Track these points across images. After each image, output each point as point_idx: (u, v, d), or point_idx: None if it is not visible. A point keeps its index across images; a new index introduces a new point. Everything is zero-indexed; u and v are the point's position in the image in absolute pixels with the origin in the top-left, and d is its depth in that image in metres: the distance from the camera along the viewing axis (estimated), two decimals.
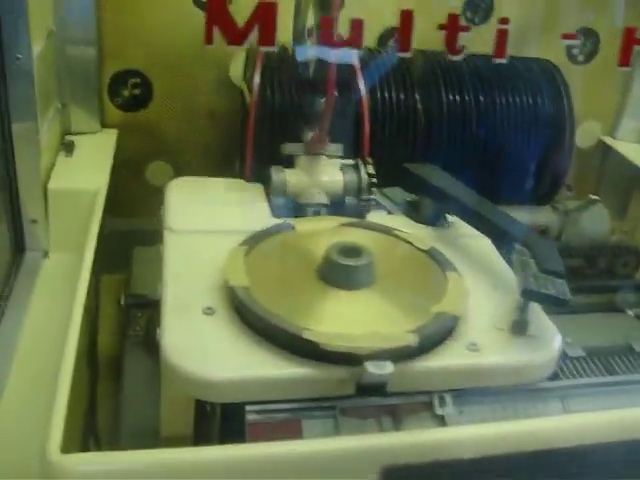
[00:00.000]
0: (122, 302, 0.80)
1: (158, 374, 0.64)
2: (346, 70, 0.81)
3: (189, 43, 0.95)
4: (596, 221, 0.98)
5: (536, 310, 0.61)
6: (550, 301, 0.56)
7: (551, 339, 0.58)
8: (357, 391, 0.52)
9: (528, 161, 0.91)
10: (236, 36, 0.61)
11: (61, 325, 0.60)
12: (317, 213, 0.71)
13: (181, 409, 0.55)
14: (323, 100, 0.70)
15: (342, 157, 0.76)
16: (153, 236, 1.00)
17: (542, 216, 0.96)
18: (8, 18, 0.71)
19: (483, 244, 0.71)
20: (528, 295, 0.56)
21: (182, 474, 0.46)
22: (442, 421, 0.54)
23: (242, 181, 0.79)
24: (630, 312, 0.99)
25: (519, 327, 0.58)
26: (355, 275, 0.58)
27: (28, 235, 0.82)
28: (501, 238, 0.67)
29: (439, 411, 0.54)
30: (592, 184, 1.17)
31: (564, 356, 0.74)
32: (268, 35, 0.61)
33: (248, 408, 0.52)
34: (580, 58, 1.10)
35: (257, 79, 0.79)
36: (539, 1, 1.03)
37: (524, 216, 0.94)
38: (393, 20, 0.97)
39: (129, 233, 1.02)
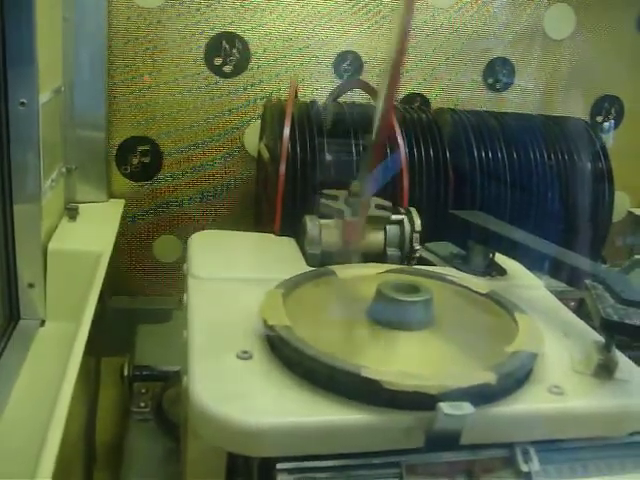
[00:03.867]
0: (125, 373, 0.71)
1: (166, 450, 0.54)
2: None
3: (202, 111, 0.92)
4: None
5: (622, 356, 0.52)
6: (634, 332, 0.48)
7: None
8: (426, 443, 0.43)
9: (564, 223, 0.85)
10: None
11: (52, 399, 0.51)
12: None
13: (210, 466, 0.45)
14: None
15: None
16: (158, 315, 0.92)
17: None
18: (16, 61, 0.67)
19: (543, 294, 0.63)
20: (609, 326, 0.48)
21: None
22: (528, 479, 0.44)
23: (272, 235, 0.71)
24: None
25: (605, 369, 0.49)
26: (413, 313, 0.50)
27: (24, 300, 0.73)
28: (567, 275, 0.59)
29: (524, 467, 0.44)
30: (624, 258, 1.10)
31: None
32: None
33: (279, 466, 0.42)
34: (605, 126, 1.07)
35: (286, 132, 0.73)
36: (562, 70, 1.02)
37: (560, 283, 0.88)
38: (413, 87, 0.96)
39: (132, 312, 0.94)
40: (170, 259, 0.95)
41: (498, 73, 0.99)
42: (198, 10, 0.88)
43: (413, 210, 0.68)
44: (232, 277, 0.59)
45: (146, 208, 0.94)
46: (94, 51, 0.84)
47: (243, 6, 0.89)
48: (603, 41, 1.01)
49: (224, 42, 0.90)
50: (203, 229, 0.95)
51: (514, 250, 0.63)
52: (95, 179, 0.90)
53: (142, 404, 0.72)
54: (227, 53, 0.90)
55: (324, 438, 0.42)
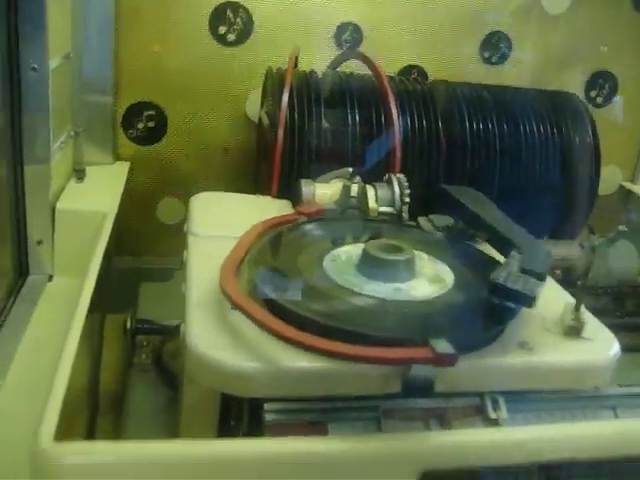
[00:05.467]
0: (128, 326, 0.75)
1: (166, 399, 0.58)
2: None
3: (206, 78, 0.95)
4: (624, 255, 0.94)
5: (591, 317, 0.56)
6: (516, 297, 0.49)
7: (608, 343, 0.53)
8: (402, 389, 0.47)
9: (551, 194, 0.88)
10: None
11: (59, 347, 0.55)
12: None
13: (204, 407, 0.49)
14: None
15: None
16: (160, 274, 0.96)
17: (567, 251, 0.92)
18: (27, 28, 0.70)
19: None
20: (495, 289, 0.49)
21: (175, 468, 0.40)
22: (496, 426, 0.48)
23: (269, 197, 0.75)
24: None
25: (573, 329, 0.53)
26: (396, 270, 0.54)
27: (32, 257, 0.77)
28: None
29: (492, 415, 0.49)
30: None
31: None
32: None
33: (267, 406, 0.46)
34: (599, 100, 1.09)
35: (285, 99, 0.76)
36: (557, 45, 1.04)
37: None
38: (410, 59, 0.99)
39: (136, 271, 0.98)
40: (173, 221, 0.99)
41: (495, 47, 1.02)
42: None
43: (401, 175, 0.71)
44: (229, 235, 0.62)
45: (151, 171, 0.97)
46: (102, 18, 0.87)
47: None
48: (599, 18, 1.03)
49: (228, 11, 0.92)
50: (205, 190, 1.00)
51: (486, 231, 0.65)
52: (102, 142, 0.94)
53: (143, 356, 0.77)
54: (231, 22, 0.92)
55: (308, 382, 0.46)
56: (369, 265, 0.54)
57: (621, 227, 0.89)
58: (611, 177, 1.14)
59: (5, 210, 0.74)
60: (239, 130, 0.96)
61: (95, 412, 0.75)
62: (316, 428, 0.47)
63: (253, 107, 0.95)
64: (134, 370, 0.76)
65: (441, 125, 0.83)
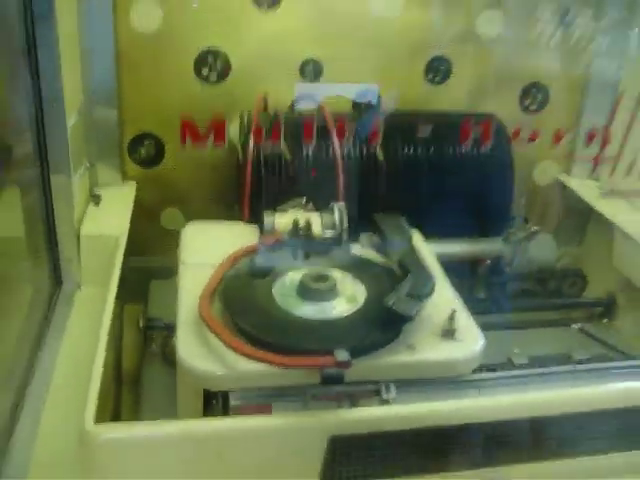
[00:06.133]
0: (141, 325, 0.98)
1: (173, 380, 0.81)
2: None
3: (194, 111, 1.15)
4: (542, 248, 1.15)
5: (467, 320, 0.78)
6: (398, 316, 0.71)
7: (474, 342, 0.75)
8: (321, 380, 0.69)
9: (475, 201, 1.09)
10: None
11: (92, 342, 0.78)
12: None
13: (192, 398, 0.72)
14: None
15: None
16: (166, 271, 1.19)
17: (495, 247, 1.13)
18: (49, 94, 0.90)
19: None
20: (386, 309, 0.71)
21: (187, 439, 0.64)
22: (387, 404, 0.71)
23: (242, 223, 0.96)
24: (575, 326, 1.16)
25: (448, 333, 0.75)
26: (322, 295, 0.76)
27: (64, 271, 1.00)
28: None
29: (385, 396, 0.71)
30: (553, 217, 1.33)
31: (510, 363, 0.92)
32: None
33: (231, 396, 0.69)
34: (532, 108, 1.28)
35: (251, 144, 0.98)
36: (492, 61, 1.22)
37: (480, 246, 1.13)
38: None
39: (146, 269, 1.21)
40: (173, 227, 1.21)
41: (437, 69, 1.21)
42: (187, 31, 1.10)
43: (342, 204, 0.92)
44: (213, 263, 0.84)
45: (153, 188, 1.19)
46: (106, 70, 1.07)
47: (224, 27, 1.11)
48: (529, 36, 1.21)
49: (209, 56, 1.12)
50: (199, 203, 1.21)
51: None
52: (112, 166, 1.15)
53: (154, 345, 1.00)
54: (212, 65, 1.13)
55: (257, 379, 0.69)
56: (303, 291, 0.77)
57: (534, 228, 1.09)
58: (548, 170, 1.34)
59: (43, 236, 0.96)
60: (223, 152, 1.17)
61: (120, 384, 0.99)
62: (264, 408, 0.70)
63: (233, 133, 1.15)
64: (147, 357, 0.99)
65: (379, 152, 1.04)
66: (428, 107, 1.20)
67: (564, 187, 1.33)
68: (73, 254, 0.99)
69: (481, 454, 0.74)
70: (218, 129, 1.15)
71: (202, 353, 0.70)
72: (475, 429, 0.71)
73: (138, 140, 1.16)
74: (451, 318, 0.75)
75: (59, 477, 0.66)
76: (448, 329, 0.75)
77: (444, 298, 0.82)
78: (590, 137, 1.29)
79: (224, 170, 1.18)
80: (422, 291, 0.74)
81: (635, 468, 0.78)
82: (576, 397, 0.75)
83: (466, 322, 0.78)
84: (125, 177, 1.18)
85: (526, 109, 1.28)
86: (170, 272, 1.17)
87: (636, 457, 0.78)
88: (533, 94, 1.27)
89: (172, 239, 1.14)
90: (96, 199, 1.09)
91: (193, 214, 1.15)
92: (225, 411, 0.70)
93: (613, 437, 0.78)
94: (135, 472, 0.63)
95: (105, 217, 1.06)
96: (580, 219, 1.33)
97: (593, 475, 0.76)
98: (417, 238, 0.94)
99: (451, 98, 1.22)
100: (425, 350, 0.73)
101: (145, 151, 1.17)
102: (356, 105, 1.12)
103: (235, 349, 0.68)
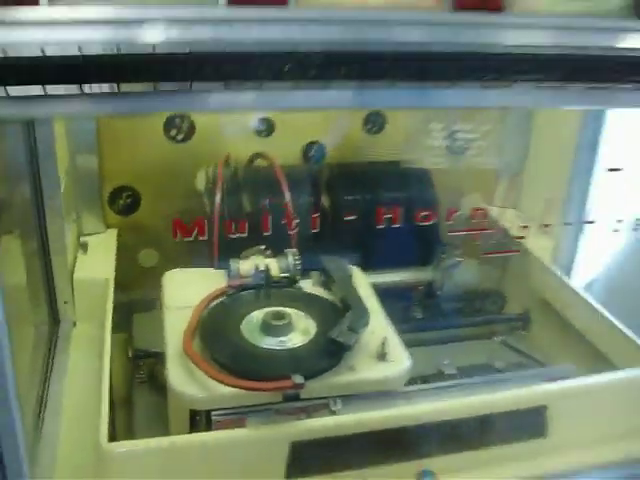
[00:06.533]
0: (130, 355, 1.16)
1: (160, 401, 0.99)
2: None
3: (165, 166, 1.33)
4: (467, 274, 1.36)
5: (397, 344, 0.98)
6: (340, 346, 0.92)
7: (403, 362, 0.96)
8: (283, 398, 0.89)
9: (408, 237, 1.29)
10: None
11: (93, 371, 0.96)
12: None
13: (181, 417, 0.91)
14: None
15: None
16: (146, 304, 1.36)
17: (427, 274, 1.34)
18: (45, 167, 1.07)
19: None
20: (332, 340, 0.92)
21: (186, 450, 0.83)
22: (334, 414, 0.91)
23: (212, 270, 1.15)
24: (496, 339, 1.37)
25: (381, 356, 0.95)
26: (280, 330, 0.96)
27: (62, 311, 1.17)
28: None
29: (333, 408, 0.91)
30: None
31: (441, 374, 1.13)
32: None
33: (213, 414, 0.88)
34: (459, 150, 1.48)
35: (218, 196, 1.16)
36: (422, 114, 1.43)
37: (414, 275, 1.33)
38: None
39: (128, 302, 1.38)
40: (150, 264, 1.39)
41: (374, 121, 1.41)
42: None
43: (294, 250, 1.11)
44: (191, 305, 1.02)
45: (132, 232, 1.37)
46: (88, 140, 1.26)
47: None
48: None
49: (177, 119, 1.31)
50: (172, 244, 1.39)
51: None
52: (95, 217, 1.33)
53: (142, 372, 1.18)
54: (179, 127, 1.31)
55: (233, 399, 0.88)
56: (265, 327, 0.96)
57: (458, 259, 1.30)
58: (474, 202, 1.55)
59: (42, 284, 1.14)
60: (192, 200, 1.35)
61: (113, 405, 1.17)
62: (240, 422, 0.89)
63: (200, 184, 1.34)
64: (135, 382, 1.17)
65: (325, 199, 1.24)
66: (366, 155, 1.41)
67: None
68: (68, 296, 1.17)
69: (412, 449, 0.93)
70: (186, 179, 1.34)
71: (188, 381, 0.89)
72: (405, 430, 0.91)
73: (117, 192, 1.34)
74: (383, 343, 0.95)
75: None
76: (381, 353, 0.95)
77: (378, 327, 1.01)
78: None
79: (194, 215, 1.36)
80: (359, 324, 0.94)
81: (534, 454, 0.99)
82: (484, 402, 0.95)
83: (396, 346, 0.98)
84: (108, 225, 1.36)
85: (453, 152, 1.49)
86: (149, 305, 1.36)
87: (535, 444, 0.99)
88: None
89: (150, 275, 1.32)
90: (84, 247, 1.26)
91: (167, 254, 1.33)
92: (208, 426, 0.89)
93: (518, 430, 0.99)
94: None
95: (93, 262, 1.23)
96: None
97: (499, 461, 0.96)
98: (357, 275, 1.14)
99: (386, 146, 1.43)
100: (363, 370, 0.93)
101: (123, 201, 1.35)
102: (306, 158, 1.32)
103: (213, 378, 0.87)
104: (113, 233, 1.34)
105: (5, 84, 0.56)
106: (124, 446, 0.82)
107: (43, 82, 0.57)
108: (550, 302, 1.33)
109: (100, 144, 1.29)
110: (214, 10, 0.61)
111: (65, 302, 1.17)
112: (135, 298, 1.38)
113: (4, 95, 0.57)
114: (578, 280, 1.35)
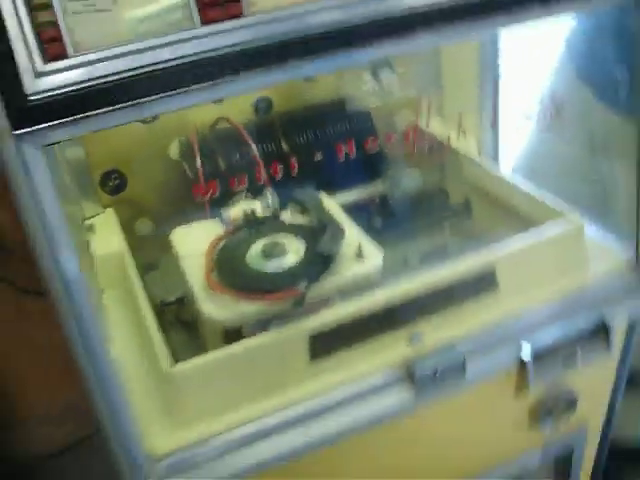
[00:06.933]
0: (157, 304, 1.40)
1: (191, 338, 1.24)
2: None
3: (141, 146, 1.54)
4: (411, 181, 1.62)
5: (368, 245, 1.24)
6: (328, 255, 1.19)
7: (377, 257, 1.22)
8: (293, 305, 1.14)
9: (358, 163, 1.53)
10: None
11: (130, 319, 1.21)
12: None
13: (217, 339, 1.16)
14: None
15: None
16: (151, 265, 1.59)
17: (379, 188, 1.61)
18: None
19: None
20: (319, 253, 1.18)
21: (237, 356, 1.08)
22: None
23: (208, 221, 1.37)
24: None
25: (359, 256, 1.22)
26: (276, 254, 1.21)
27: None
28: None
29: (332, 303, 1.17)
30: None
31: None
32: None
33: (244, 326, 1.14)
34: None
35: (198, 160, 1.39)
36: None
37: (370, 190, 1.59)
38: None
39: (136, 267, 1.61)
40: (146, 232, 1.61)
41: None
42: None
43: (270, 189, 1.35)
44: (201, 250, 1.27)
45: (125, 208, 1.59)
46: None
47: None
48: None
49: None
50: (163, 211, 1.62)
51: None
52: (92, 201, 1.55)
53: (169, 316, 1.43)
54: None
55: (255, 313, 1.14)
56: (265, 255, 1.21)
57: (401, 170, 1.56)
58: (407, 118, 1.80)
59: None
60: (169, 170, 1.57)
61: None
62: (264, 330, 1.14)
63: (175, 153, 1.55)
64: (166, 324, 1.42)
65: (283, 143, 1.48)
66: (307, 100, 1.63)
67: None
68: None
69: (401, 319, 1.19)
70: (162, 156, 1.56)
71: (217, 308, 1.14)
72: (391, 307, 1.18)
73: (105, 176, 1.56)
74: (359, 247, 1.22)
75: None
76: (358, 254, 1.22)
77: (351, 236, 1.27)
78: None
79: (174, 182, 1.59)
80: (337, 237, 1.20)
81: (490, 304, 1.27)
82: (446, 274, 1.23)
83: (368, 246, 1.24)
84: (104, 206, 1.57)
85: None
86: (154, 266, 1.59)
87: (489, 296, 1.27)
88: None
89: (148, 241, 1.56)
90: (92, 228, 1.48)
91: (160, 219, 1.56)
92: (239, 339, 1.14)
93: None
94: (206, 392, 1.07)
95: (104, 239, 1.46)
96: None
97: (465, 313, 1.24)
98: (325, 199, 1.39)
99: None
100: (348, 271, 1.20)
101: (112, 182, 1.57)
102: (257, 111, 1.55)
103: (237, 299, 1.12)
104: (111, 212, 1.56)
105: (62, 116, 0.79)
106: (186, 364, 1.07)
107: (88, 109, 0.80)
108: (482, 188, 1.61)
109: (84, 137, 1.49)
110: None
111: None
112: (140, 262, 1.62)
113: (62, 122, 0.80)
114: (504, 165, 1.64)
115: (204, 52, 0.85)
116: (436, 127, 1.73)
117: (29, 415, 2.24)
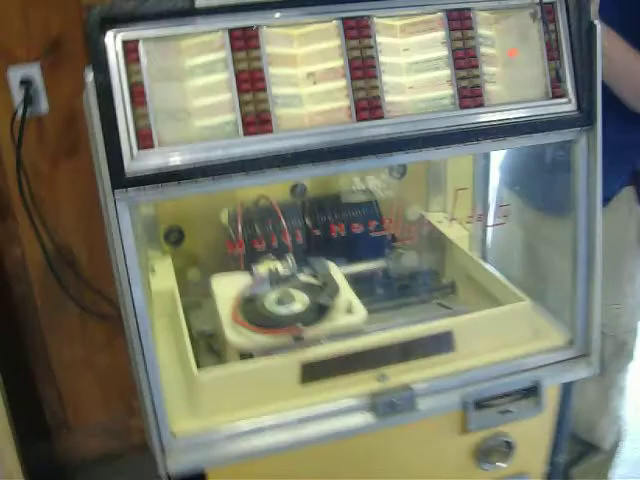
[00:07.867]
0: (194, 335, 1.81)
1: (218, 361, 1.65)
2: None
3: (198, 210, 1.98)
4: (409, 261, 2.00)
5: (358, 304, 1.63)
6: (325, 306, 1.57)
7: (362, 313, 1.60)
8: (293, 340, 1.53)
9: (366, 241, 1.93)
10: None
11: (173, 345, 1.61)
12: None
13: (235, 359, 1.55)
14: None
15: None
16: (196, 305, 1.99)
17: (382, 263, 1.99)
18: None
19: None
20: (318, 304, 1.58)
21: (250, 371, 1.47)
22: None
23: (241, 273, 1.78)
24: (434, 301, 2.02)
25: (349, 311, 1.60)
26: (287, 302, 1.61)
27: None
28: None
29: (322, 343, 1.55)
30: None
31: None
32: None
33: (254, 353, 1.53)
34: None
35: (239, 226, 1.81)
36: None
37: (372, 265, 1.98)
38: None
39: (184, 304, 2.03)
40: (195, 279, 2.03)
41: None
42: None
43: (291, 255, 1.76)
44: (233, 295, 1.67)
45: (181, 258, 2.01)
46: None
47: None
48: None
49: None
50: (213, 262, 2.03)
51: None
52: (156, 249, 1.98)
53: (201, 344, 1.82)
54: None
55: (266, 344, 1.52)
56: (279, 302, 1.61)
57: (401, 251, 1.95)
58: (415, 210, 2.20)
59: None
60: (219, 232, 1.99)
61: None
62: (270, 354, 1.53)
63: (224, 218, 1.98)
64: (199, 351, 1.82)
65: (308, 222, 1.89)
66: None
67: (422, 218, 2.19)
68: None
69: (373, 362, 1.56)
70: (215, 221, 1.98)
71: (239, 337, 1.53)
72: (368, 351, 1.54)
73: (168, 231, 1.99)
74: (350, 303, 1.60)
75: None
76: (348, 309, 1.60)
77: (345, 295, 1.66)
78: None
79: (219, 242, 2.01)
80: (334, 293, 1.59)
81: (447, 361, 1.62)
82: (412, 331, 1.59)
83: (357, 305, 1.62)
84: (164, 252, 2.00)
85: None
86: (197, 305, 2.00)
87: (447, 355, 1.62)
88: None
89: (195, 286, 1.97)
90: (152, 270, 1.91)
91: (210, 267, 1.97)
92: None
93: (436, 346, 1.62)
94: (221, 394, 1.45)
95: (161, 279, 1.88)
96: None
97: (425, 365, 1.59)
98: (333, 268, 1.79)
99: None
100: (338, 320, 1.58)
101: (174, 236, 2.00)
102: (293, 194, 1.98)
103: (252, 331, 1.51)
104: (169, 259, 1.99)
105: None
106: (208, 372, 1.46)
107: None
108: (467, 273, 1.98)
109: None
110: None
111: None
112: (187, 301, 2.03)
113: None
114: (488, 255, 2.01)
115: (244, 154, 1.28)
116: (436, 216, 2.14)
117: (80, 425, 2.64)
